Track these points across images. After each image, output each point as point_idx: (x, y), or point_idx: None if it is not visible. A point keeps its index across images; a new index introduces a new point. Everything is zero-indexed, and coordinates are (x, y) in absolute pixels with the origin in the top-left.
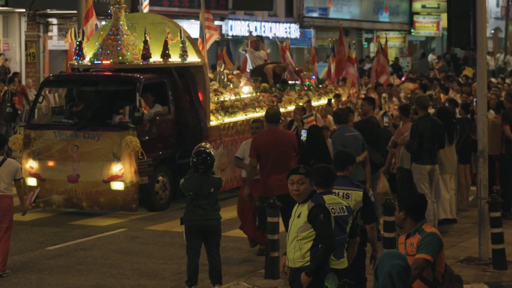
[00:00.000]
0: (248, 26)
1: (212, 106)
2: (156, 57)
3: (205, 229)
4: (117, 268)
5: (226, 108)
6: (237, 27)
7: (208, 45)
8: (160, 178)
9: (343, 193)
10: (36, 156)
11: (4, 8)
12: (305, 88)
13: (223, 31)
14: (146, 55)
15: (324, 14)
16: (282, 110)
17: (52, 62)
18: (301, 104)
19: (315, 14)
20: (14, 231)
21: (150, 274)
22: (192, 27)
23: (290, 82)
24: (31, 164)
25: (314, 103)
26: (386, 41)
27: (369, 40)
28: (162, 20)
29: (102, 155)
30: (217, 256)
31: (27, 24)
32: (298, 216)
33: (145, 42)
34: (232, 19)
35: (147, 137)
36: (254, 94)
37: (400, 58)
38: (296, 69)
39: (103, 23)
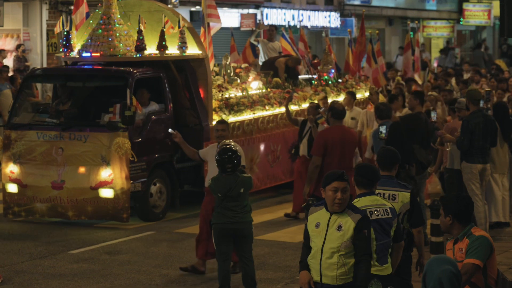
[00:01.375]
0: (285, 14)
1: (215, 104)
2: (152, 49)
3: (235, 233)
4: (145, 274)
5: (231, 106)
6: (273, 16)
7: (211, 34)
8: (155, 184)
9: (389, 194)
10: (17, 159)
11: None
12: (323, 83)
13: (258, 20)
14: (140, 46)
15: (366, 1)
16: (294, 108)
17: None
18: (315, 101)
19: (357, 2)
20: (34, 233)
21: (180, 280)
22: (224, 16)
23: (305, 76)
24: (12, 169)
25: (331, 100)
26: (417, 30)
27: (414, 30)
28: (160, 7)
29: (89, 158)
30: (249, 262)
31: (48, 13)
32: (339, 229)
33: (139, 32)
34: (267, 7)
35: (140, 139)
36: (264, 90)
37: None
38: (313, 61)
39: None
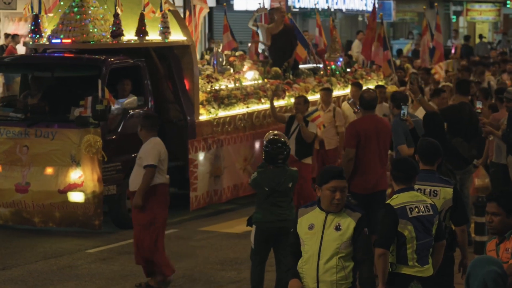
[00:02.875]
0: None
1: (202, 97)
2: (131, 35)
3: (280, 232)
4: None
5: (221, 99)
6: None
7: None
8: None
9: (430, 190)
10: None
11: None
12: (328, 73)
13: (289, 3)
14: (116, 32)
15: None
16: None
17: None
18: (305, 94)
19: None
20: (49, 231)
21: (205, 281)
22: None
23: (308, 65)
24: None
25: (340, 92)
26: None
27: (458, 14)
28: None
29: (57, 158)
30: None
31: None
32: (337, 228)
33: (116, 16)
34: None
35: (114, 136)
36: (260, 81)
37: (493, 34)
38: (318, 49)
39: None
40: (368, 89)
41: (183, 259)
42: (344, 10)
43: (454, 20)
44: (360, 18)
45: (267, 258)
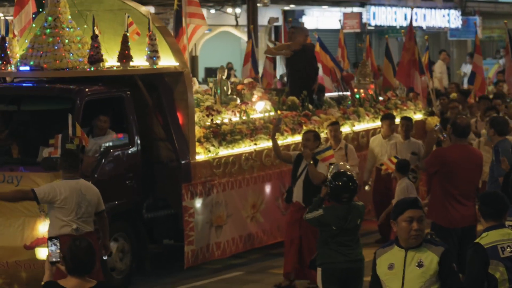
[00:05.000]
0: (396, 13)
1: (199, 132)
2: (114, 61)
3: (348, 273)
4: None
5: (222, 135)
6: (382, 15)
7: (192, 42)
8: (116, 240)
9: None
10: None
11: None
12: (356, 102)
13: (364, 20)
14: (94, 57)
15: None
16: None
17: None
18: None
19: None
20: None
21: None
22: (324, 16)
23: (332, 94)
24: None
25: (369, 125)
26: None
27: None
28: (124, 4)
29: (23, 208)
30: None
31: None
32: (419, 265)
33: (94, 38)
34: (375, 4)
35: (90, 181)
36: (272, 113)
37: None
38: (344, 74)
39: None
40: (461, 114)
41: None
42: (424, 27)
43: None
44: (363, 40)
45: None
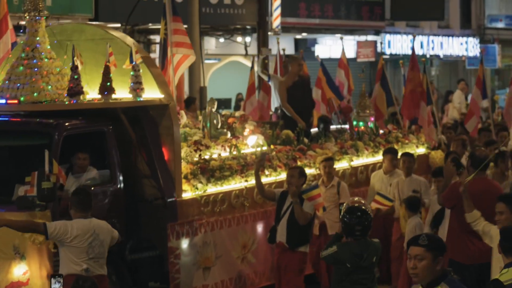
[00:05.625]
0: (412, 41)
1: (186, 169)
2: (96, 93)
3: None
4: None
5: (211, 171)
6: (397, 43)
7: (178, 74)
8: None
9: None
10: None
11: (93, 23)
12: (354, 136)
13: (379, 49)
14: (74, 89)
15: None
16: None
17: None
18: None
19: (500, 25)
20: None
21: None
22: (337, 44)
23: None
24: None
25: (365, 160)
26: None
27: None
28: (107, 34)
29: None
30: None
31: None
32: None
33: (74, 69)
34: (390, 32)
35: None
36: (265, 148)
37: None
38: (342, 105)
39: None
40: (479, 147)
41: None
42: (441, 56)
43: None
44: (363, 68)
45: None
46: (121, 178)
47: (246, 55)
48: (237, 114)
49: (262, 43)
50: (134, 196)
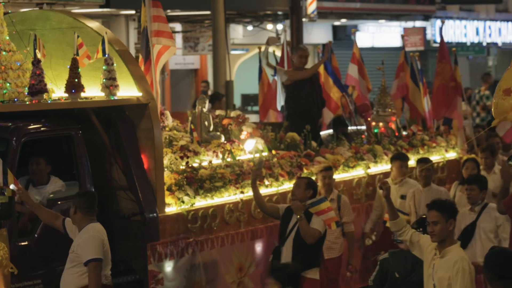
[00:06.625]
0: (465, 28)
1: (170, 179)
2: (61, 91)
3: None
4: None
5: (199, 182)
6: (449, 30)
7: (158, 67)
8: None
9: None
10: None
11: (105, 10)
12: (372, 138)
13: (428, 36)
14: (36, 87)
15: None
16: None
17: (175, 86)
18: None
19: None
20: None
21: None
22: (381, 31)
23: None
24: None
25: (384, 167)
26: None
27: None
28: (76, 22)
29: None
30: None
31: (137, 32)
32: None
33: (35, 63)
34: (441, 17)
35: (28, 241)
36: (265, 154)
37: None
38: (358, 104)
39: None
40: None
41: None
42: (499, 43)
43: None
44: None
45: None
46: (92, 190)
47: (277, 45)
48: (232, 114)
49: (296, 31)
50: (108, 211)
